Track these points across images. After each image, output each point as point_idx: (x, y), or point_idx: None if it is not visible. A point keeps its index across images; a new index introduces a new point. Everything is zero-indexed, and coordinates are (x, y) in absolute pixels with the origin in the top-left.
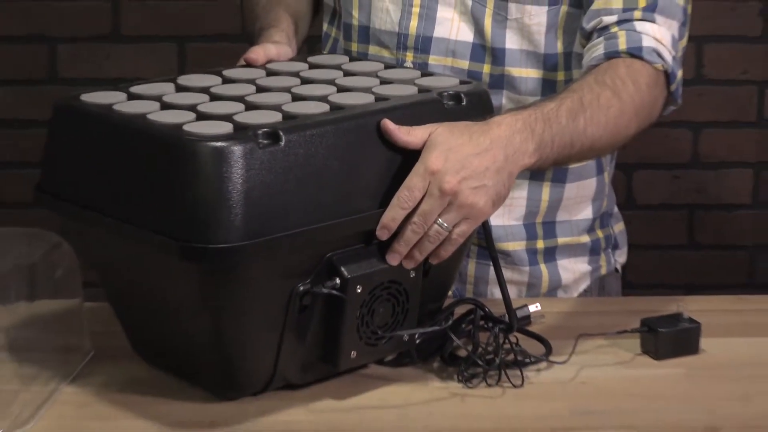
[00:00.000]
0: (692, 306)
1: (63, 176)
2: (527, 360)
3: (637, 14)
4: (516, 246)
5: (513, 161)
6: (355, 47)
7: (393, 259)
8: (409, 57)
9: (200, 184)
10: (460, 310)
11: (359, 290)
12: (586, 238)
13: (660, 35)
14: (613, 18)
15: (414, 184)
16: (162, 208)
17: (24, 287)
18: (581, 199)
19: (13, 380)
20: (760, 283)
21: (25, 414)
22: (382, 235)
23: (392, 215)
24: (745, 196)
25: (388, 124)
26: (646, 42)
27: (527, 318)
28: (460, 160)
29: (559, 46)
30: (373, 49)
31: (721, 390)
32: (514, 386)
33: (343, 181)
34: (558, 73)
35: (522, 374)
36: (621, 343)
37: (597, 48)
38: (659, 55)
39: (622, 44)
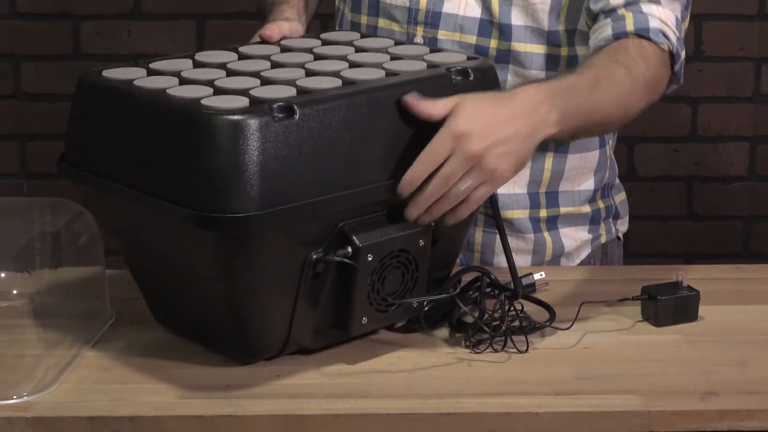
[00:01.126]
0: (691, 274)
1: (86, 148)
2: (532, 326)
3: None
4: (519, 214)
5: (537, 130)
6: (364, 20)
7: (410, 215)
8: (419, 31)
9: (217, 156)
10: (466, 278)
11: (370, 258)
12: (587, 208)
13: (665, 16)
14: (620, 0)
15: (439, 145)
16: (180, 178)
17: (48, 255)
18: (583, 171)
19: (37, 345)
20: (755, 252)
21: (49, 377)
22: (404, 191)
23: (415, 173)
24: (741, 169)
25: (410, 99)
26: (653, 23)
27: (532, 285)
28: (488, 126)
29: (562, 24)
30: (382, 23)
31: (719, 356)
32: (520, 351)
33: (354, 154)
34: (562, 48)
35: (527, 340)
36: (622, 310)
37: (605, 29)
38: (665, 35)
39: (630, 25)
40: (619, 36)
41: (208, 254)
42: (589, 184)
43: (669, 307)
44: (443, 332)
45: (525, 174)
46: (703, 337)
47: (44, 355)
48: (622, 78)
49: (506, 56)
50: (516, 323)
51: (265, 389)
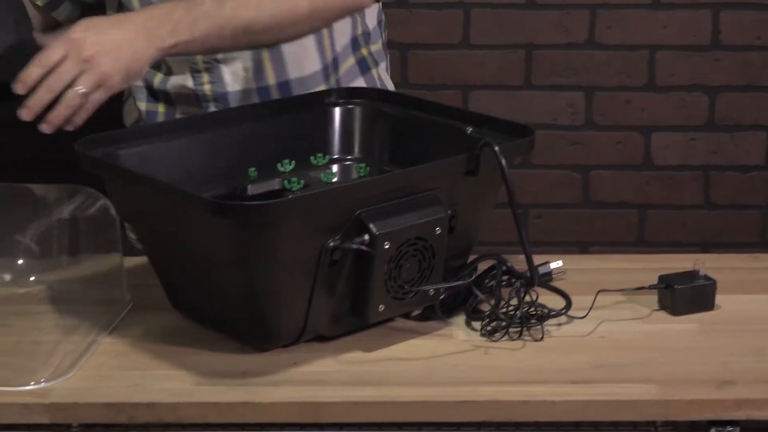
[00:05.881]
0: (708, 263)
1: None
2: (548, 314)
3: None
4: None
5: (147, 43)
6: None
7: (22, 114)
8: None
9: None
10: (482, 266)
11: (387, 246)
12: None
13: None
14: None
15: (52, 49)
16: None
17: (66, 242)
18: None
19: (54, 331)
20: None
21: (66, 363)
22: (18, 89)
23: (29, 71)
24: (758, 158)
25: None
26: None
27: (548, 274)
28: (99, 32)
29: None
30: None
31: (735, 345)
32: (535, 340)
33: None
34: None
35: (542, 328)
36: (639, 299)
37: None
38: None
39: None
40: None
41: (226, 242)
42: None
43: (686, 296)
44: (459, 320)
45: None
46: (719, 326)
47: (61, 341)
48: None
49: None
50: (532, 311)
51: (281, 376)
